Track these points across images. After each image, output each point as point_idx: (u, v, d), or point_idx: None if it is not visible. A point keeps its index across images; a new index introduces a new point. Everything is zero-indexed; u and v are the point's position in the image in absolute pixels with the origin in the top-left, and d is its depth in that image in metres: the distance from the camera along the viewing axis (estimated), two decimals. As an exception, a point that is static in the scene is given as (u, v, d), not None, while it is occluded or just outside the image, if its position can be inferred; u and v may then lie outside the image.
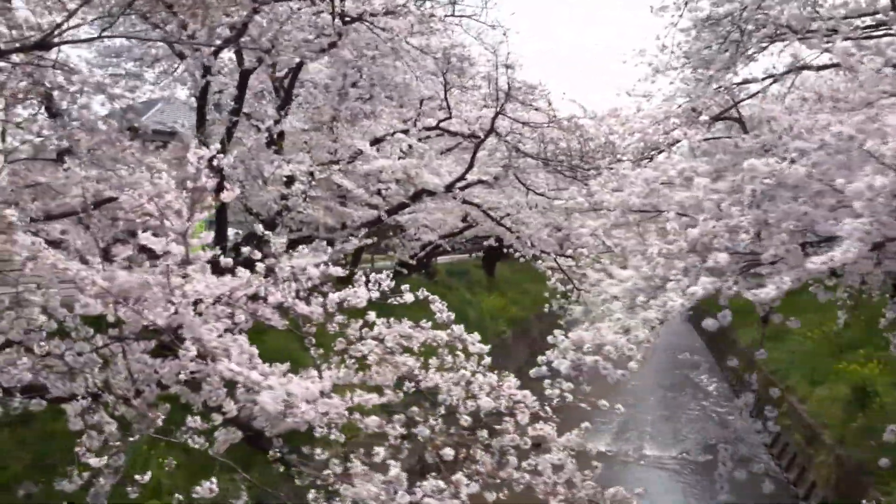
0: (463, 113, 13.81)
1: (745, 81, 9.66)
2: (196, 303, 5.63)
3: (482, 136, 13.20)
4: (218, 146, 5.84)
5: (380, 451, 4.68)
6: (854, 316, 16.06)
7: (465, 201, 12.12)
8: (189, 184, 5.83)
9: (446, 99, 13.24)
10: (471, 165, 11.11)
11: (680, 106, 9.60)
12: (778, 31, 8.95)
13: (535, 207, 11.90)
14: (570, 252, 13.20)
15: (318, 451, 4.93)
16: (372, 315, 5.83)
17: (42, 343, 5.26)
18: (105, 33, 5.69)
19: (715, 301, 6.50)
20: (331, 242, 12.76)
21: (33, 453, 9.71)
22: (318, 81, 13.87)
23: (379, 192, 12.94)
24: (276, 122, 12.10)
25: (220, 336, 5.06)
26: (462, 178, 11.40)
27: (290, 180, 12.52)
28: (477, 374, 5.81)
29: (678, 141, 9.16)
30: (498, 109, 10.08)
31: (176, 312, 4.98)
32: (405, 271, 16.51)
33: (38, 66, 6.17)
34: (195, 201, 5.96)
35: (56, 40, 5.35)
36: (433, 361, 5.72)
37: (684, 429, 18.80)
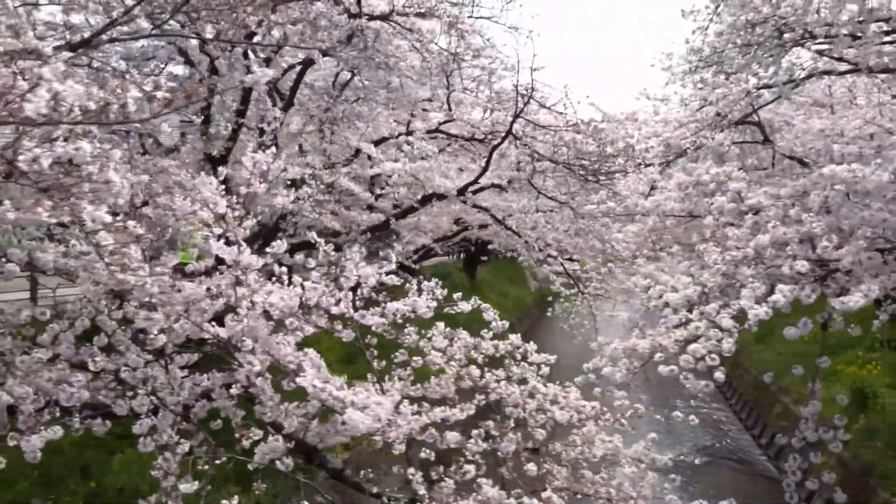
0: (464, 115, 13.66)
1: (766, 86, 9.62)
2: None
3: (482, 139, 13.10)
4: (274, 150, 5.61)
5: (471, 469, 4.50)
6: (844, 317, 16.25)
7: (474, 205, 11.98)
8: (243, 189, 5.60)
9: (448, 101, 13.08)
10: (485, 168, 10.97)
11: (700, 108, 9.55)
12: (804, 36, 8.94)
13: (547, 212, 11.79)
14: (576, 256, 13.14)
15: (397, 469, 4.71)
16: (440, 325, 5.65)
17: (97, 359, 4.97)
18: (154, 31, 5.42)
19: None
20: (337, 248, 12.51)
21: (40, 469, 9.33)
22: (311, 82, 13.60)
23: (382, 196, 12.72)
24: (282, 123, 11.82)
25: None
26: (475, 181, 11.26)
27: (292, 183, 12.24)
28: (538, 385, 5.66)
29: (703, 145, 9.10)
30: (517, 112, 9.95)
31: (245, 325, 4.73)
32: (409, 276, 16.33)
33: (75, 65, 5.87)
34: (248, 206, 5.72)
35: (106, 37, 5.07)
36: (499, 373, 5.55)
37: (677, 430, 18.87)
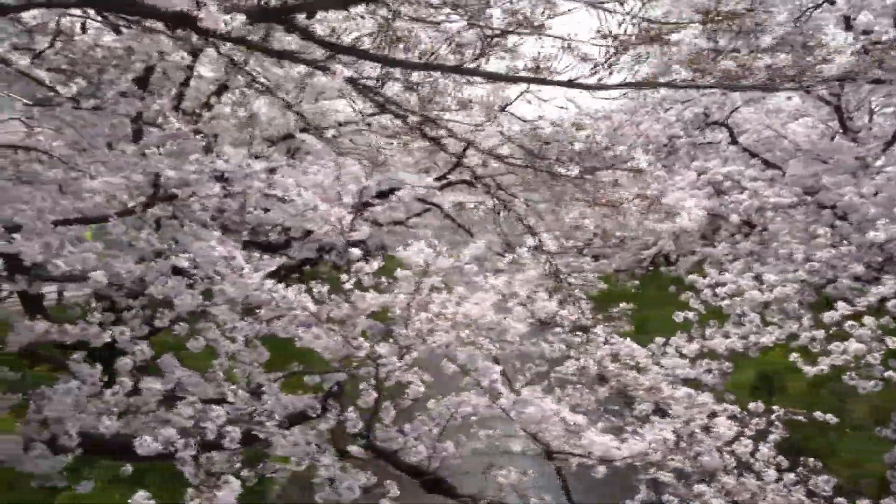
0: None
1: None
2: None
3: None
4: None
5: (704, 490, 4.15)
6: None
7: (430, 203, 11.41)
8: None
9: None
10: (457, 163, 10.45)
11: (685, 105, 9.74)
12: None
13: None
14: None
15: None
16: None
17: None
18: None
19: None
20: (274, 248, 11.51)
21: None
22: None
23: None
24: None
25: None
26: (444, 176, 10.71)
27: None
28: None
29: (696, 143, 9.29)
30: (502, 105, 9.58)
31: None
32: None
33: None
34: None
35: None
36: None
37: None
